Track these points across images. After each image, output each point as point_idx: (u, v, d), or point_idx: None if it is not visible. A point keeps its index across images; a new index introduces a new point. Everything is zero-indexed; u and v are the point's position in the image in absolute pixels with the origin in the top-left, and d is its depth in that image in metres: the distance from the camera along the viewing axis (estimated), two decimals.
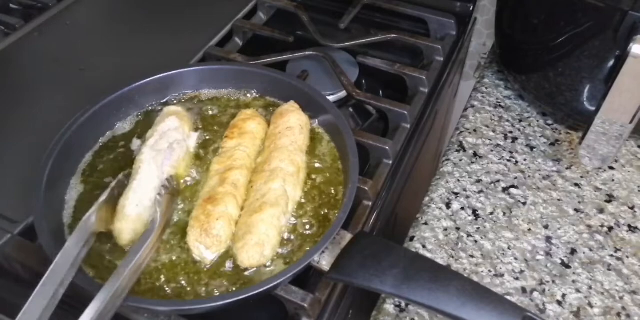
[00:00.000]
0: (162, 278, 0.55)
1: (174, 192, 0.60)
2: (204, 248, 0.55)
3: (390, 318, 0.60)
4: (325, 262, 0.53)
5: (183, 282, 0.54)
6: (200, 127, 0.68)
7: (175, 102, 0.71)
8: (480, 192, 0.71)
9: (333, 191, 0.62)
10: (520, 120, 0.80)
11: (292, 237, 0.58)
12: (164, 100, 0.71)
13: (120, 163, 0.64)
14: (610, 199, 0.70)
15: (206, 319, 0.56)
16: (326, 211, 0.60)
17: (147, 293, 0.54)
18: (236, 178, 0.60)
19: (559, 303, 0.60)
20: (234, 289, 0.54)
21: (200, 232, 0.55)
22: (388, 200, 0.71)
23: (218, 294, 0.54)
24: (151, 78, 0.68)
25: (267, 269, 0.56)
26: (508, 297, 0.58)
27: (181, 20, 0.90)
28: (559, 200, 0.70)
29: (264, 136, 0.66)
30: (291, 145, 0.63)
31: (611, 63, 0.65)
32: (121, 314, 0.57)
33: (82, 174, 0.63)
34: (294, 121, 0.65)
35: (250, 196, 0.59)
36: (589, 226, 0.67)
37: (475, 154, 0.75)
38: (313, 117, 0.69)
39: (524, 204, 0.69)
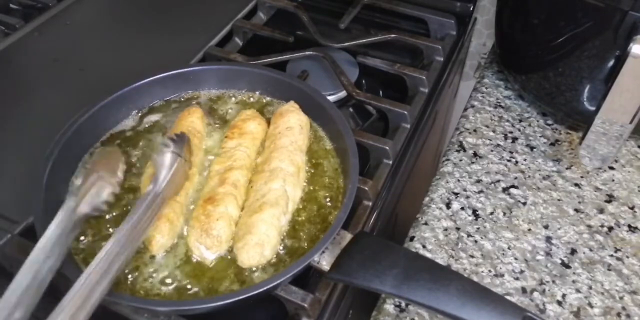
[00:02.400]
0: (161, 278, 0.55)
1: (184, 151, 0.57)
2: (204, 248, 0.55)
3: (390, 318, 0.60)
4: (325, 262, 0.53)
5: (183, 282, 0.54)
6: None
7: (174, 102, 0.71)
8: (480, 192, 0.71)
9: (333, 191, 0.62)
10: (520, 120, 0.80)
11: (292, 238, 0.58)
12: (164, 101, 0.71)
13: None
14: (610, 199, 0.70)
15: (206, 319, 0.56)
16: (326, 211, 0.60)
17: (146, 293, 0.54)
18: (236, 178, 0.60)
19: (559, 303, 0.60)
20: (234, 289, 0.54)
21: (201, 232, 0.56)
22: (388, 200, 0.71)
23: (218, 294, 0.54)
24: (151, 78, 0.68)
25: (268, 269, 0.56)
26: (508, 297, 0.58)
27: (181, 20, 0.90)
28: (559, 200, 0.70)
29: (264, 136, 0.66)
30: (291, 145, 0.63)
31: (611, 63, 0.65)
32: (121, 314, 0.57)
33: (82, 173, 0.63)
34: (293, 121, 0.65)
35: (250, 196, 0.59)
36: (589, 226, 0.67)
37: (475, 154, 0.75)
38: (312, 116, 0.69)
39: (524, 204, 0.69)
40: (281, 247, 0.57)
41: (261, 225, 0.55)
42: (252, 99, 0.72)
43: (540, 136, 0.78)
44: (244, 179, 0.61)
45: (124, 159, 0.60)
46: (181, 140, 0.58)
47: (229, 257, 0.56)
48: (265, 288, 0.51)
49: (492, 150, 0.76)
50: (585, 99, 0.72)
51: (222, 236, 0.56)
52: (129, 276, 0.54)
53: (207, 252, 0.56)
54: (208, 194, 0.59)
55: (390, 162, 0.71)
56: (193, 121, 0.66)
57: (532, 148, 0.76)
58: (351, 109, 0.82)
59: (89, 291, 0.45)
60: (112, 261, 0.47)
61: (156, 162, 0.54)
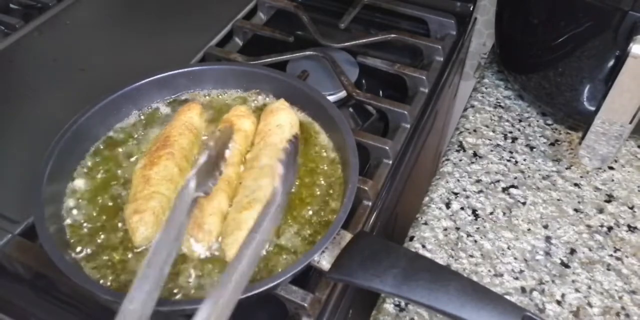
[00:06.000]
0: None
1: (295, 153, 0.52)
2: (194, 241, 0.56)
3: (390, 317, 0.60)
4: (325, 261, 0.53)
5: (183, 282, 0.55)
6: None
7: (174, 102, 0.71)
8: (480, 192, 0.71)
9: (332, 191, 0.62)
10: (520, 120, 0.80)
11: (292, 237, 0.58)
12: (164, 100, 0.71)
13: (120, 162, 0.64)
14: (609, 199, 0.70)
15: None
16: (326, 211, 0.60)
17: None
18: (229, 175, 0.60)
19: (559, 303, 0.60)
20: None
21: (193, 225, 0.56)
22: (388, 200, 0.71)
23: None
24: (151, 78, 0.68)
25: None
26: (507, 297, 0.58)
27: (181, 20, 0.90)
28: (558, 200, 0.70)
29: (254, 135, 0.67)
30: (280, 142, 0.63)
31: (611, 63, 0.65)
32: None
33: (82, 173, 0.63)
34: (284, 119, 0.65)
35: (239, 193, 0.59)
36: (589, 226, 0.67)
37: (475, 154, 0.76)
38: (313, 116, 0.69)
39: (524, 203, 0.70)
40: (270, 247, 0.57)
41: (250, 222, 0.55)
42: (252, 99, 0.72)
43: (540, 136, 0.78)
44: (235, 176, 0.61)
45: (233, 137, 0.56)
46: (297, 140, 0.54)
47: (217, 253, 0.56)
48: (265, 288, 0.51)
49: (491, 150, 0.76)
50: (585, 99, 0.72)
51: (213, 231, 0.56)
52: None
53: (196, 245, 0.56)
54: None
55: (390, 162, 0.71)
56: (191, 117, 0.66)
57: (531, 148, 0.76)
58: (351, 109, 0.82)
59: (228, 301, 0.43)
60: (240, 281, 0.44)
61: (277, 169, 0.49)
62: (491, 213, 0.69)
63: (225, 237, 0.56)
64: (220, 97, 0.72)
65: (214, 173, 0.52)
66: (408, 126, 0.76)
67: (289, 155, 0.51)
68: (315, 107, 0.67)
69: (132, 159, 0.65)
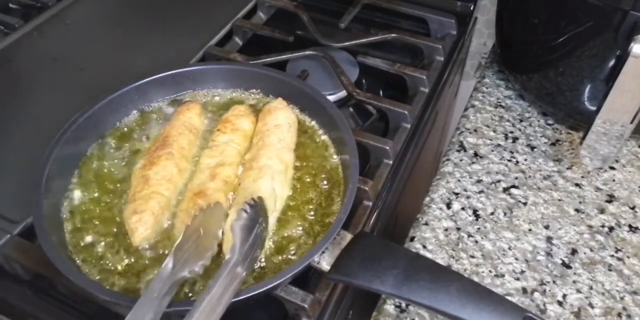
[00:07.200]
0: None
1: (261, 216, 0.53)
2: None
3: (391, 318, 0.60)
4: (325, 262, 0.53)
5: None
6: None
7: (173, 101, 0.71)
8: (481, 192, 0.71)
9: (332, 192, 0.62)
10: (521, 120, 0.80)
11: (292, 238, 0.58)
12: (164, 100, 0.71)
13: (120, 162, 0.64)
14: (611, 199, 0.70)
15: None
16: (326, 211, 0.60)
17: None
18: (227, 175, 0.60)
19: (560, 303, 0.60)
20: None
21: None
22: (388, 201, 0.71)
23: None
24: (151, 78, 0.68)
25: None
26: (509, 298, 0.58)
27: (181, 20, 0.90)
28: (559, 200, 0.70)
29: (252, 134, 0.66)
30: (279, 142, 0.63)
31: (612, 63, 0.65)
32: (120, 314, 0.57)
33: (81, 173, 0.63)
34: (282, 119, 0.65)
35: (238, 194, 0.59)
36: (590, 226, 0.67)
37: (475, 154, 0.75)
38: (312, 116, 0.69)
39: (525, 204, 0.69)
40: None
41: None
42: (251, 99, 0.72)
43: (540, 136, 0.78)
44: (234, 176, 0.61)
45: (225, 217, 0.56)
46: (258, 205, 0.54)
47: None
48: (265, 288, 0.50)
49: (492, 150, 0.76)
50: (586, 99, 0.71)
51: None
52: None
53: None
54: (198, 188, 0.59)
55: (391, 162, 0.71)
56: (191, 117, 0.66)
57: (532, 148, 0.76)
58: (351, 109, 0.82)
59: None
60: None
61: (234, 230, 0.50)
62: (492, 213, 0.68)
63: (225, 238, 0.56)
64: (219, 96, 0.72)
65: (204, 254, 0.50)
66: (408, 126, 0.76)
67: (249, 219, 0.50)
68: (315, 107, 0.67)
69: (131, 159, 0.64)
